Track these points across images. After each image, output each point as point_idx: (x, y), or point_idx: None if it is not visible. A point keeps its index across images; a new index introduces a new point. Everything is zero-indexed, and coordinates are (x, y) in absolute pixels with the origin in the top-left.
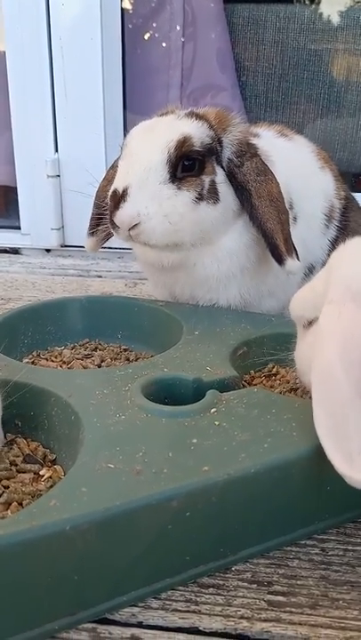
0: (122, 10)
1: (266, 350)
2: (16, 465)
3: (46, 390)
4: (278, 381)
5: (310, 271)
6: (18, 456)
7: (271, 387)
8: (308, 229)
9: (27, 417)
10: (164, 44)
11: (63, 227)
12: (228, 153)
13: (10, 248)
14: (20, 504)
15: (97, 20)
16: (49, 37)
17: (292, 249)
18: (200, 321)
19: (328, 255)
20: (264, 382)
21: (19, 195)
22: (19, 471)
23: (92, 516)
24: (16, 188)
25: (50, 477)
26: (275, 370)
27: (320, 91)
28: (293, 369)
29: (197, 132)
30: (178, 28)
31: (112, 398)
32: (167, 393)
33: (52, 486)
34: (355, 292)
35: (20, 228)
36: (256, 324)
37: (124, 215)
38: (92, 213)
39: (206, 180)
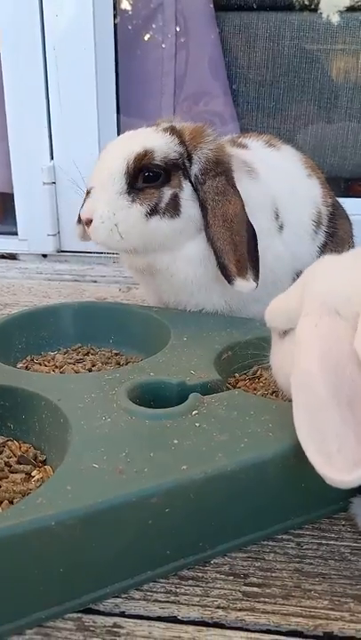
0: (114, 19)
1: (250, 354)
2: (9, 466)
3: (37, 394)
4: (261, 384)
5: (298, 277)
6: (10, 457)
7: (254, 389)
8: (295, 237)
9: (19, 420)
10: (156, 53)
11: (59, 232)
12: (195, 169)
13: (7, 253)
14: (11, 502)
15: (90, 29)
16: (43, 47)
17: (245, 270)
18: (187, 326)
19: None
20: (248, 385)
21: (15, 201)
22: (11, 471)
23: (77, 512)
24: (13, 194)
25: (40, 478)
26: (258, 373)
27: (311, 97)
28: None
29: (163, 147)
30: (170, 36)
31: (99, 402)
32: (153, 396)
33: (41, 485)
34: (330, 306)
35: (17, 234)
36: (241, 329)
37: (84, 210)
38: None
39: (167, 192)
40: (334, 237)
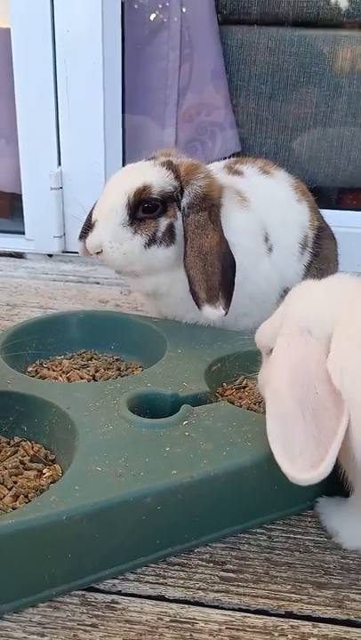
0: (122, 33)
1: (238, 365)
2: (24, 464)
3: (48, 402)
4: (246, 393)
5: (286, 293)
6: (24, 456)
7: (240, 398)
8: (283, 258)
9: (32, 423)
10: (161, 65)
11: (65, 234)
12: (184, 202)
13: (15, 252)
14: (26, 496)
15: (99, 44)
16: (54, 60)
17: (215, 299)
18: (182, 338)
19: (303, 278)
20: (234, 394)
21: (24, 204)
22: (25, 469)
23: (83, 509)
24: (21, 195)
25: (50, 475)
26: (244, 383)
27: (307, 110)
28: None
29: (160, 181)
30: (175, 49)
31: (103, 410)
32: (149, 406)
33: (52, 482)
34: (302, 328)
35: (24, 233)
36: (230, 342)
37: (90, 242)
38: (85, 222)
39: (164, 222)
40: (319, 256)
